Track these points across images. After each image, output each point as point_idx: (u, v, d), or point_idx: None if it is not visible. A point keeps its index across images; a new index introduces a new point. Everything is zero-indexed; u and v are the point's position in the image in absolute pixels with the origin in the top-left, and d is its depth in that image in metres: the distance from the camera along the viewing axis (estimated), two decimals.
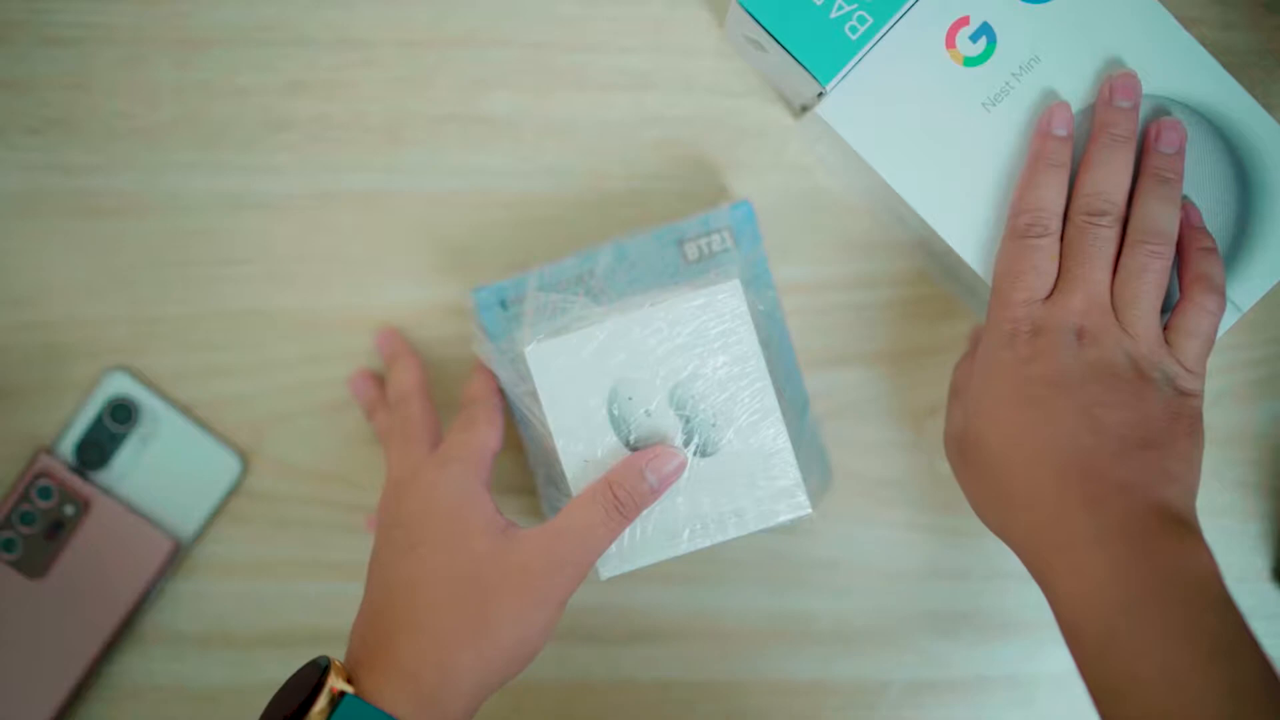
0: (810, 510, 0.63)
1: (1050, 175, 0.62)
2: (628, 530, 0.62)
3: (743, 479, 0.62)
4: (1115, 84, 0.62)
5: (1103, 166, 0.62)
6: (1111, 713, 0.56)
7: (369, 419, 0.72)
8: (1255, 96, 0.63)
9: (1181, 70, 0.63)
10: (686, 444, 0.62)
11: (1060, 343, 0.60)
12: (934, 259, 0.71)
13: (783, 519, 0.63)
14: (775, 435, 0.62)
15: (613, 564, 0.63)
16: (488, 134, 0.72)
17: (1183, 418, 0.59)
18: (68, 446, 0.71)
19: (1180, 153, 0.62)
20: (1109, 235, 0.61)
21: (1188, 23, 0.63)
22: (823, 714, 0.74)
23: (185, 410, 0.72)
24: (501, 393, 0.67)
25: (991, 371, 0.61)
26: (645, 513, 0.62)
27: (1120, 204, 0.62)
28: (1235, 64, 0.64)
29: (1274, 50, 0.73)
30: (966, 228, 0.64)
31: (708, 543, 0.63)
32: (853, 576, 0.74)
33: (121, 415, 0.71)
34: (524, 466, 0.71)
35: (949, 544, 0.74)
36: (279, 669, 0.72)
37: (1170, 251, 0.61)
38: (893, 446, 0.74)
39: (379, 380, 0.72)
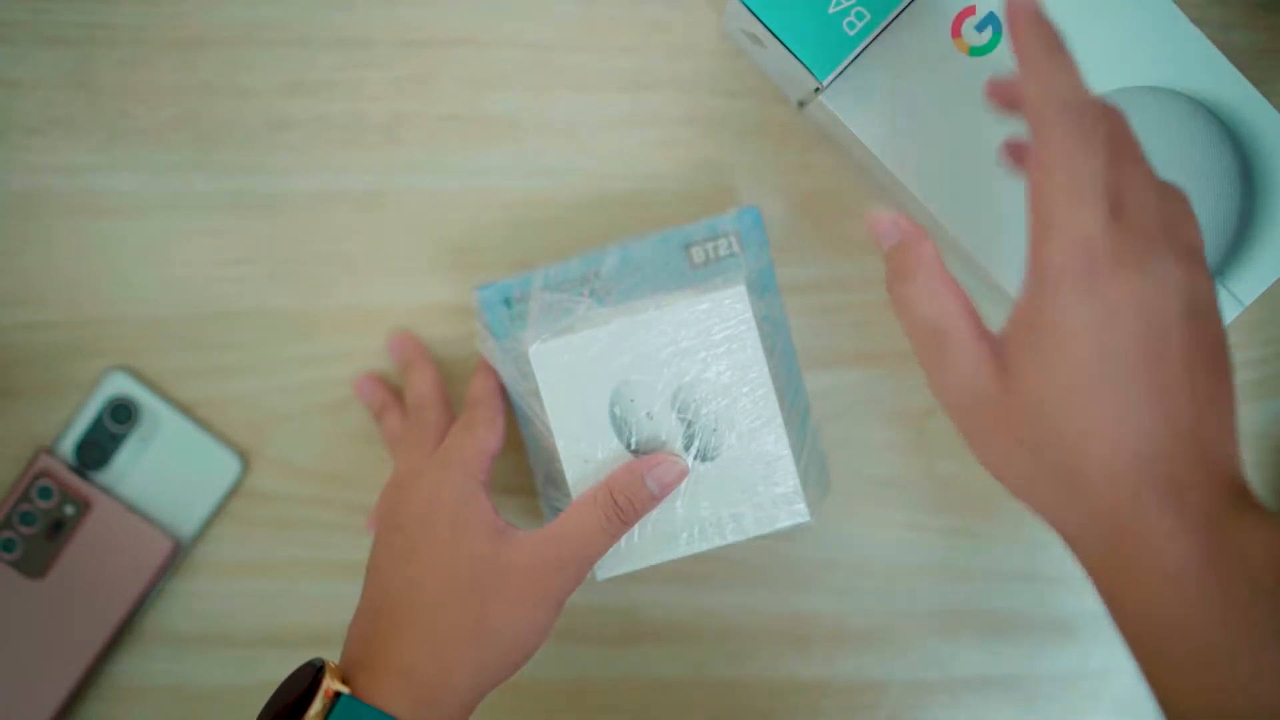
0: (809, 518, 0.63)
1: (1065, 56, 0.50)
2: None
3: (742, 485, 0.62)
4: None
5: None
6: None
7: (377, 422, 0.72)
8: None
9: (1186, 63, 0.63)
10: (687, 448, 0.62)
11: (1159, 279, 0.49)
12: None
13: (781, 526, 0.63)
14: (776, 442, 0.62)
15: (609, 565, 0.63)
16: (488, 134, 0.72)
17: (1229, 358, 0.51)
18: (68, 446, 0.71)
19: None
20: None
21: None
22: (823, 714, 0.74)
23: (185, 410, 0.72)
24: (504, 392, 0.67)
25: (1064, 332, 0.49)
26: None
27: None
28: (1235, 64, 0.64)
29: (1274, 50, 0.73)
30: (971, 217, 0.64)
31: (705, 547, 0.63)
32: (853, 576, 0.74)
33: (121, 415, 0.71)
34: (524, 466, 0.71)
35: (949, 544, 0.74)
36: (279, 669, 0.72)
37: None
38: (893, 446, 0.74)
39: (386, 384, 0.72)
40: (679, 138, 0.73)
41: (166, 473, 0.72)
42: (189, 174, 0.72)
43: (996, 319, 0.68)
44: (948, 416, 0.54)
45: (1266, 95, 0.63)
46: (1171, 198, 0.52)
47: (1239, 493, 0.49)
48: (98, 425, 0.71)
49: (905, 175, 0.64)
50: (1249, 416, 0.74)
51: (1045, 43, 0.50)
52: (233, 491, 0.73)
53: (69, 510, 0.71)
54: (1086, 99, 0.50)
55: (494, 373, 0.68)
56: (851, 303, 0.73)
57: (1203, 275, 0.50)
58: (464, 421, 0.66)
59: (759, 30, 0.63)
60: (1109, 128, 0.50)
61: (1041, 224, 0.49)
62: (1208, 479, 0.48)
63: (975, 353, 0.52)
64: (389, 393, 0.72)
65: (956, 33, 0.63)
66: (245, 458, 0.73)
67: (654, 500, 0.61)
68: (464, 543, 0.60)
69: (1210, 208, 0.63)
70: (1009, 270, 0.64)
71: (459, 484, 0.62)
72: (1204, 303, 0.50)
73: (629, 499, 0.61)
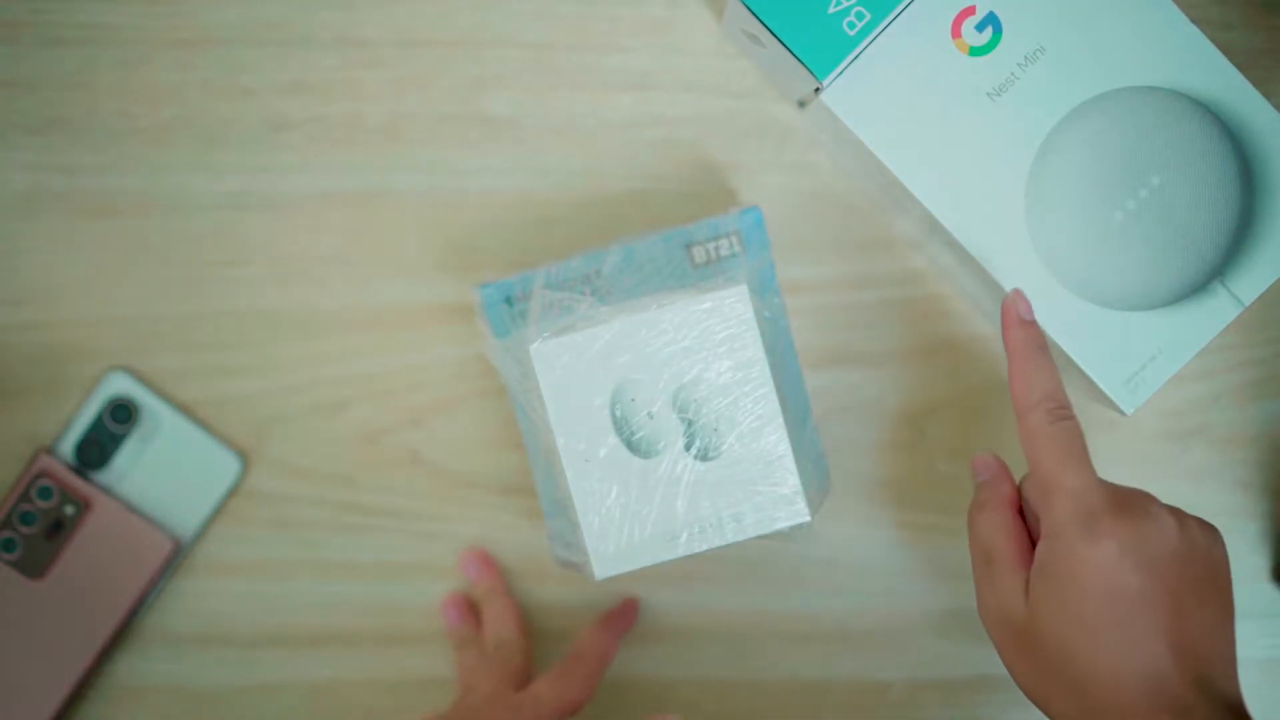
0: (809, 518, 0.63)
1: (1045, 358, 0.61)
2: (625, 530, 0.62)
3: (743, 484, 0.62)
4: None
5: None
6: None
7: (457, 650, 0.72)
8: None
9: (1186, 62, 0.63)
10: (688, 448, 0.62)
11: (1154, 519, 0.57)
12: (935, 252, 0.71)
13: (781, 526, 0.63)
14: (777, 442, 0.62)
15: (608, 564, 0.63)
16: (488, 134, 0.72)
17: (1229, 587, 0.59)
18: (68, 446, 0.71)
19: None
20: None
21: None
22: (823, 714, 0.74)
23: (185, 410, 0.72)
24: (609, 658, 0.69)
25: (1072, 573, 0.57)
26: (644, 514, 0.62)
27: None
28: (1235, 64, 0.64)
29: (1274, 50, 0.73)
30: (970, 217, 0.64)
31: (705, 547, 0.63)
32: (853, 576, 0.74)
33: (121, 415, 0.71)
34: (524, 466, 0.71)
35: (949, 544, 0.74)
36: (279, 669, 0.73)
37: None
38: (893, 446, 0.74)
39: (473, 615, 0.73)
40: (679, 138, 0.73)
41: (166, 473, 0.72)
42: (190, 174, 0.72)
43: (996, 316, 0.68)
44: (984, 628, 0.62)
45: (1266, 95, 0.63)
46: None
47: (1237, 713, 0.56)
48: (98, 425, 0.71)
49: (905, 175, 0.64)
50: (1249, 417, 0.74)
51: (1031, 344, 0.61)
52: (233, 491, 0.72)
53: (69, 510, 0.71)
54: (1062, 393, 0.60)
55: (609, 637, 0.70)
56: (851, 303, 0.73)
57: (1191, 518, 0.59)
58: (563, 672, 0.67)
59: (759, 30, 0.63)
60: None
61: (1045, 489, 0.58)
62: (1209, 702, 0.55)
63: (1015, 579, 0.59)
64: (474, 626, 0.72)
65: (956, 33, 0.63)
66: (245, 458, 0.73)
67: None
68: None
69: (1210, 208, 0.63)
70: (1008, 269, 0.64)
71: None
72: (1199, 540, 0.58)
73: None
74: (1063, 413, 0.59)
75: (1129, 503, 0.57)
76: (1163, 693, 0.55)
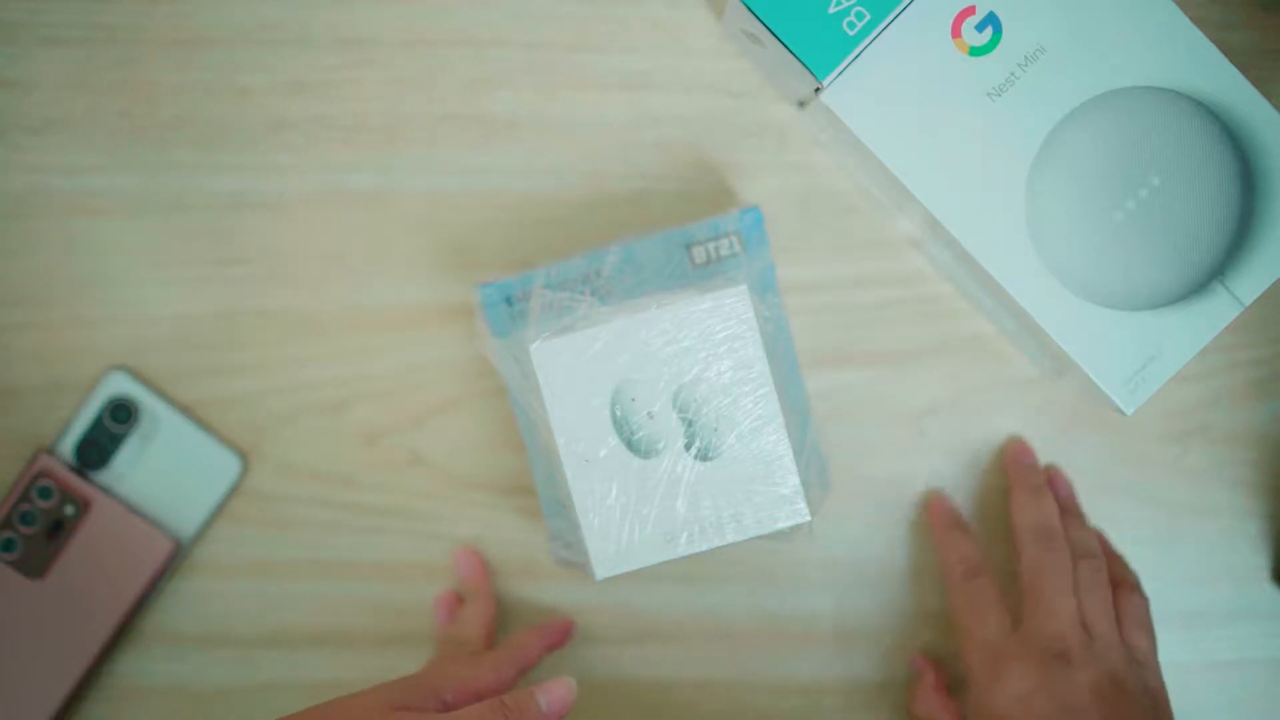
0: (810, 518, 0.63)
1: (960, 531, 0.73)
2: (625, 530, 0.62)
3: (743, 484, 0.62)
4: (1018, 450, 0.74)
5: (1034, 505, 0.71)
6: None
7: (438, 647, 0.71)
8: None
9: (1186, 62, 0.63)
10: (688, 447, 0.62)
11: (1061, 663, 0.65)
12: (935, 252, 0.71)
13: (781, 526, 0.63)
14: (777, 442, 0.62)
15: (608, 564, 0.63)
16: (488, 134, 0.73)
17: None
18: (68, 446, 0.71)
19: (1073, 493, 0.74)
20: (1066, 558, 0.69)
21: None
22: (823, 714, 0.74)
23: (185, 410, 0.72)
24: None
25: (989, 711, 0.66)
26: (644, 514, 0.62)
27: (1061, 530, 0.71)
28: (1235, 64, 0.64)
29: (1274, 50, 0.73)
30: (970, 216, 0.64)
31: (705, 546, 0.62)
32: (853, 576, 0.74)
33: (121, 415, 0.71)
34: (524, 466, 0.71)
35: None
36: (279, 669, 0.73)
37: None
38: (893, 446, 0.74)
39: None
40: (679, 138, 0.73)
41: (166, 473, 0.72)
42: (189, 174, 0.72)
43: (996, 316, 0.68)
44: None
45: (1266, 95, 0.63)
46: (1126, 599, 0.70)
47: None
48: (98, 425, 0.71)
49: (905, 175, 0.64)
50: (1249, 417, 0.74)
51: (948, 522, 0.73)
52: (233, 491, 0.73)
53: (69, 510, 0.71)
54: (973, 556, 0.71)
55: (537, 644, 0.69)
56: (851, 303, 0.73)
57: (1119, 650, 0.67)
58: (481, 657, 0.66)
59: (759, 30, 0.63)
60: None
61: (961, 642, 0.70)
62: None
63: None
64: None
65: (956, 33, 0.63)
66: (245, 458, 0.73)
67: (544, 718, 0.59)
68: None
69: (1210, 208, 0.63)
70: (1008, 269, 0.64)
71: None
72: (1127, 681, 0.65)
73: (520, 714, 0.59)
74: (972, 572, 0.71)
75: (1034, 648, 0.66)
76: None
